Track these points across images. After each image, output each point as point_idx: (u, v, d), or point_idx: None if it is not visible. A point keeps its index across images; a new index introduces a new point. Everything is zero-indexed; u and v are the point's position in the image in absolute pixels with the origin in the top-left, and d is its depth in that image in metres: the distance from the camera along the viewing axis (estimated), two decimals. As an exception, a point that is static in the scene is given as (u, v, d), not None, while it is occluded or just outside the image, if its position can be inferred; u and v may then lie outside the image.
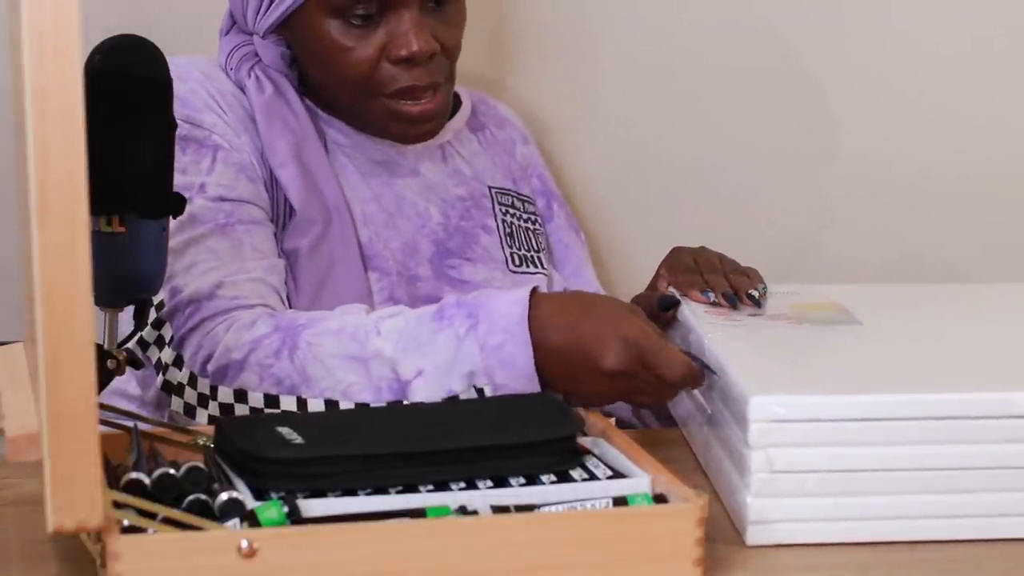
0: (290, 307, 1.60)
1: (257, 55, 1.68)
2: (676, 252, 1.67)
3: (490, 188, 1.76)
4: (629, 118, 2.05)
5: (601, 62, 2.03)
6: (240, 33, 1.70)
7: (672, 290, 1.61)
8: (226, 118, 1.64)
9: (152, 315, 1.54)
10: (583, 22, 2.02)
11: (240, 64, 1.67)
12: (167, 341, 1.55)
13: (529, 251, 1.76)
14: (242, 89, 1.67)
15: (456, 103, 1.80)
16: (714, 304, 1.56)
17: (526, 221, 1.78)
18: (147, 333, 1.56)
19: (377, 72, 1.63)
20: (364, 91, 1.64)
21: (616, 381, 1.41)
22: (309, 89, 1.69)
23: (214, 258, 1.57)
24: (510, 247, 1.74)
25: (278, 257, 1.62)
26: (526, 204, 1.79)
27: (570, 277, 1.81)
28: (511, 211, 1.76)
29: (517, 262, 1.74)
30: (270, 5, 1.64)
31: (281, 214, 1.64)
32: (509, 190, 1.78)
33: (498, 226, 1.74)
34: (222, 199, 1.60)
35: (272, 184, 1.64)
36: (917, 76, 2.08)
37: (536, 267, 1.75)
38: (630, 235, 2.07)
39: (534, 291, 1.45)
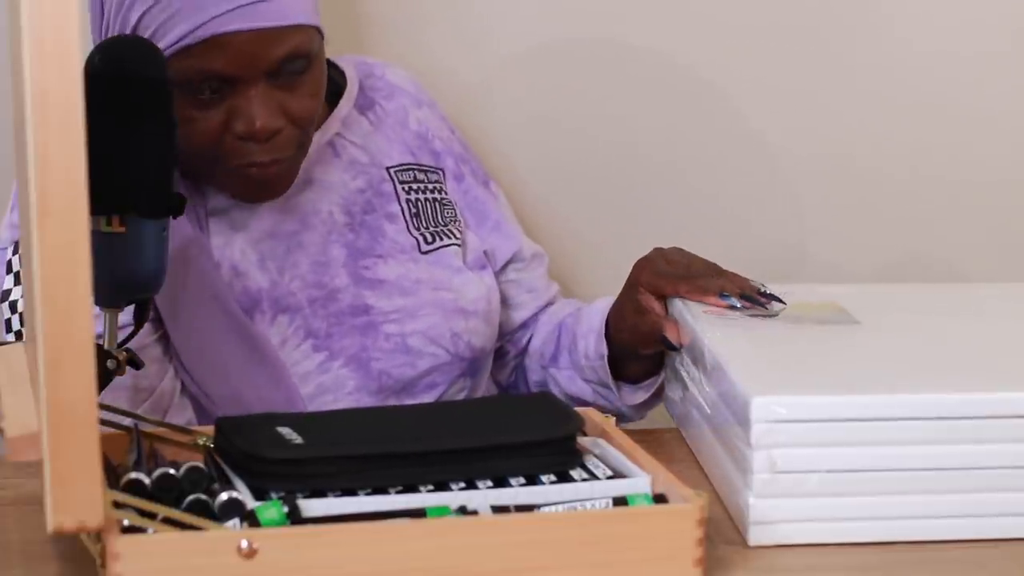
0: (201, 390, 1.60)
1: None
2: (656, 258, 1.62)
3: (388, 169, 1.73)
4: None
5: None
6: None
7: (679, 300, 1.57)
8: None
9: None
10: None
11: None
12: None
13: (438, 225, 1.73)
14: None
15: (342, 84, 1.75)
16: (738, 308, 1.52)
17: (432, 192, 1.75)
18: None
19: (221, 145, 1.57)
20: (209, 160, 1.59)
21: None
22: None
23: None
24: (418, 228, 1.72)
25: (166, 365, 1.61)
26: (429, 174, 1.76)
27: (491, 233, 1.79)
28: (415, 186, 1.73)
29: (429, 240, 1.71)
30: None
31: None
32: (410, 164, 1.75)
33: (403, 209, 1.72)
34: None
35: None
36: (917, 75, 2.08)
37: (449, 238, 1.73)
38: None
39: None
